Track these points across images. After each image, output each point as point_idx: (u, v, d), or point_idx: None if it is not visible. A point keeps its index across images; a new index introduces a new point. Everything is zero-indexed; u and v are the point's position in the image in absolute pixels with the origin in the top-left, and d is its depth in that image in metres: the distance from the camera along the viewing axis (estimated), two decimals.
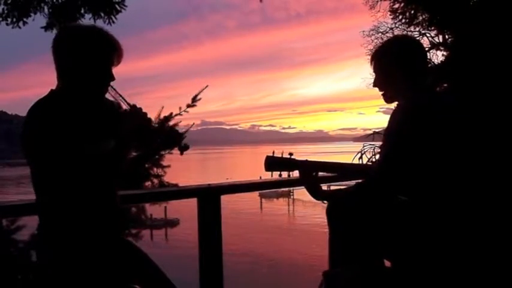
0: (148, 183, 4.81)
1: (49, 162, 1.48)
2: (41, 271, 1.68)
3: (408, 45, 1.86)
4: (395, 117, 1.78)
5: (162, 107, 4.63)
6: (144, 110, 1.68)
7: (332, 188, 2.30)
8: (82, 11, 5.87)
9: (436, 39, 11.78)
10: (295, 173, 2.02)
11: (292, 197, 32.27)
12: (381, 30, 14.67)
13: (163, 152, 4.67)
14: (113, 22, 5.90)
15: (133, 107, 1.65)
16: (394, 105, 1.90)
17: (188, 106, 4.79)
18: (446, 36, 9.54)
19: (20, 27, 5.78)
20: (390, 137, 1.77)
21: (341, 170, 2.13)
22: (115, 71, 1.65)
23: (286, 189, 26.20)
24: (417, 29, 11.79)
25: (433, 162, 1.64)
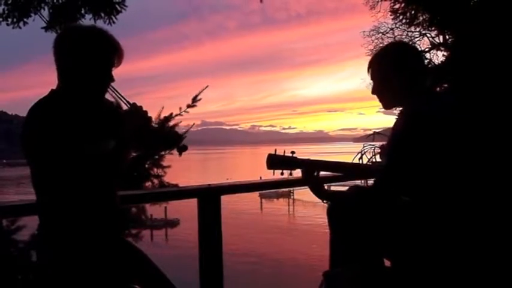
0: (148, 184, 4.81)
1: (49, 162, 1.48)
2: (41, 271, 1.68)
3: (403, 49, 1.88)
4: (398, 125, 1.77)
5: (162, 108, 4.63)
6: (144, 109, 1.67)
7: (332, 188, 2.30)
8: (82, 12, 5.88)
9: (437, 39, 11.80)
10: (296, 173, 2.01)
11: (292, 197, 32.26)
12: (382, 31, 14.72)
13: (163, 153, 4.67)
14: (113, 22, 5.91)
15: (133, 105, 1.65)
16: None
17: (188, 106, 4.79)
18: (447, 37, 9.55)
19: (20, 28, 5.79)
20: (393, 146, 1.76)
21: (343, 170, 2.12)
22: (115, 71, 1.65)
23: (287, 189, 26.24)
24: (418, 29, 11.81)
25: (434, 162, 1.64)
